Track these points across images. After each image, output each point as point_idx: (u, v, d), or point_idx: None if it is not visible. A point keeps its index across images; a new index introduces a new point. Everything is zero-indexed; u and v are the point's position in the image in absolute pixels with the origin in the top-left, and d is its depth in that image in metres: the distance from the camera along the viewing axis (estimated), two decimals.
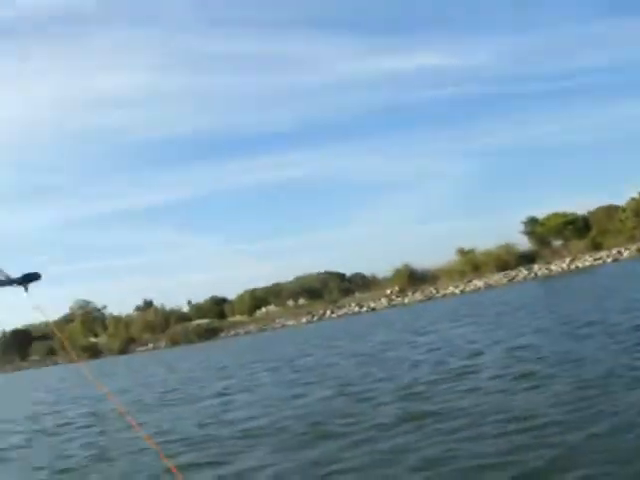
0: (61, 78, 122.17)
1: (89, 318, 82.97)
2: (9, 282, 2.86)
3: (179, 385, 24.13)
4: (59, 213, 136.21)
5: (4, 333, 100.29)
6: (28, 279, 2.86)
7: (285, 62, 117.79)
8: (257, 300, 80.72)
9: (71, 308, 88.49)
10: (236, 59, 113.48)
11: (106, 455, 11.67)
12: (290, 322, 70.33)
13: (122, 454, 11.44)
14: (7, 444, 15.72)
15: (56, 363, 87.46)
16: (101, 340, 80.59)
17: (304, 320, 69.42)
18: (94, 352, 76.25)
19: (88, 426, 16.60)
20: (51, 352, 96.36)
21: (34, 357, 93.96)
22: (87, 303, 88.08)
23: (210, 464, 10.05)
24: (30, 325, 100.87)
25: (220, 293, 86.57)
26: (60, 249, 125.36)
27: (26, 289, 2.86)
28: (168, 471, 7.62)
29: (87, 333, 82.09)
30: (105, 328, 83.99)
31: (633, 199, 64.21)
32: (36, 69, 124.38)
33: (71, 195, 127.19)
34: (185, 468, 9.13)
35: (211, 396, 18.82)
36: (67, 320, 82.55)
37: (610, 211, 66.38)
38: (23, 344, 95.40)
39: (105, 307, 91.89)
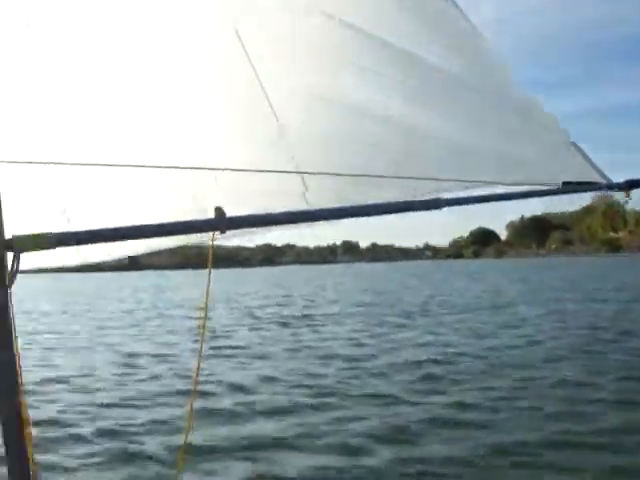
0: None
1: (611, 211, 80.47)
2: (609, 187, 2.53)
3: None
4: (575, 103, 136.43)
5: (523, 218, 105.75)
6: (631, 185, 2.54)
7: None
8: None
9: (593, 198, 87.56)
10: None
11: None
12: None
13: None
14: None
15: (573, 254, 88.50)
16: (621, 235, 78.34)
17: None
18: (613, 247, 74.32)
19: None
20: (567, 242, 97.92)
21: (551, 245, 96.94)
22: (610, 195, 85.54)
23: None
24: (550, 214, 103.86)
25: None
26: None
27: (628, 195, 2.54)
28: None
29: (607, 227, 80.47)
30: (626, 224, 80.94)
31: None
32: None
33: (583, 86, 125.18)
34: None
35: None
36: (587, 211, 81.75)
37: None
38: (541, 232, 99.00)
39: (627, 202, 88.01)
